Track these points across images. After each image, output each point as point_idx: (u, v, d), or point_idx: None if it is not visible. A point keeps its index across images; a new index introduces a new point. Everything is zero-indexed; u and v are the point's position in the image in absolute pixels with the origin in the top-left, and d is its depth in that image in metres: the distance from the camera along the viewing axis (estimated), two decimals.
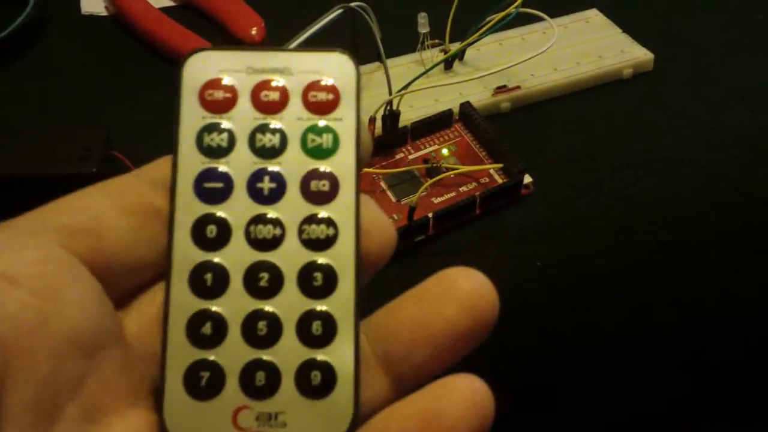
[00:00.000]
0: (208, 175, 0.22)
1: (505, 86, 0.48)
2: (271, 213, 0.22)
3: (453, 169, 0.43)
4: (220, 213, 0.22)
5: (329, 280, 0.22)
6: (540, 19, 0.49)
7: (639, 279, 0.42)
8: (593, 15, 0.54)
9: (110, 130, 0.43)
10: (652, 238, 0.43)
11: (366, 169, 0.43)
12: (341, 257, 0.22)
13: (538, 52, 0.43)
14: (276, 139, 0.22)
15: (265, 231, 0.22)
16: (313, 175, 0.22)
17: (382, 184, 0.43)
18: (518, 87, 0.48)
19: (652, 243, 0.42)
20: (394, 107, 0.43)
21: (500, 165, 0.43)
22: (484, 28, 0.46)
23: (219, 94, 0.22)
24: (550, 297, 0.40)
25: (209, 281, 0.21)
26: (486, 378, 0.21)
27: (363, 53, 0.48)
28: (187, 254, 0.21)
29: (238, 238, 0.22)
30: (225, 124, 0.22)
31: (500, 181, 0.43)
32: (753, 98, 0.50)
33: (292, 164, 0.22)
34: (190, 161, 0.22)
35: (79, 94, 0.49)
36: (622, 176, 0.45)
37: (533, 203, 0.43)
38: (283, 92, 0.22)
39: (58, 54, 0.53)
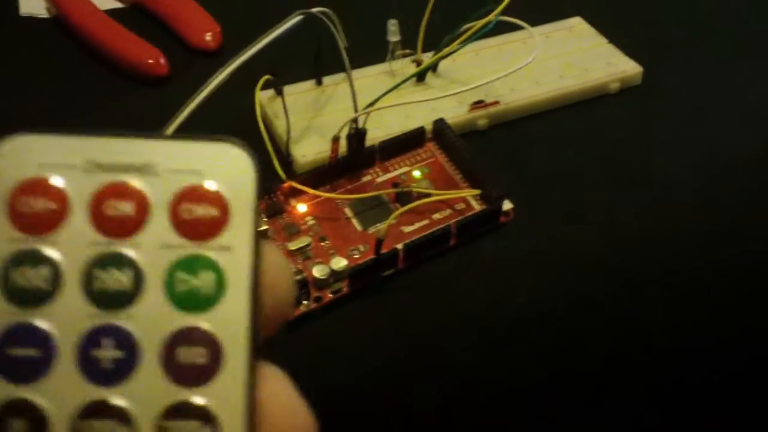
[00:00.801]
0: (16, 335, 0.15)
1: (482, 101, 0.44)
2: (115, 399, 0.15)
3: (425, 196, 0.38)
4: (34, 398, 0.14)
5: None
6: (519, 28, 0.45)
7: (629, 314, 0.38)
8: (577, 23, 0.50)
9: None
10: (643, 269, 0.39)
11: (329, 194, 0.39)
12: None
13: (519, 66, 0.39)
14: (126, 279, 0.15)
15: (105, 431, 0.14)
16: (183, 337, 0.15)
17: (347, 211, 0.39)
18: (497, 102, 0.44)
19: (644, 274, 0.39)
20: (360, 125, 0.39)
21: (478, 191, 0.39)
22: (461, 39, 0.42)
23: (39, 204, 0.15)
24: (529, 334, 0.36)
25: None
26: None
27: (326, 63, 0.44)
28: None
29: None
30: (47, 251, 0.15)
31: (478, 207, 0.39)
32: (750, 114, 0.46)
33: (151, 320, 0.15)
34: None
35: (11, 106, 0.45)
36: (609, 201, 0.41)
37: (513, 231, 0.40)
38: (141, 202, 0.15)
39: None
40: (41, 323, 0.15)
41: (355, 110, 0.39)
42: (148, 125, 0.35)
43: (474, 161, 0.40)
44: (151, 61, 0.46)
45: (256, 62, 0.40)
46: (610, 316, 0.38)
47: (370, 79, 0.45)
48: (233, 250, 0.15)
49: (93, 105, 0.45)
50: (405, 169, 0.41)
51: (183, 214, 0.15)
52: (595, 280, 0.38)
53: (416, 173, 0.41)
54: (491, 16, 0.40)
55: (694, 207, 0.41)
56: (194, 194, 0.15)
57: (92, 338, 0.15)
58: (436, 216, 0.39)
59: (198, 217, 0.15)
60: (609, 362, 0.37)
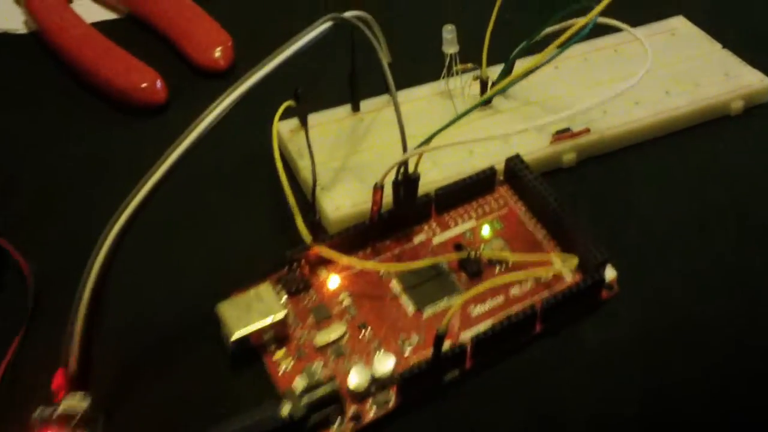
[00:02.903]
0: None
1: (568, 130, 0.34)
2: None
3: (499, 263, 0.28)
4: None
5: None
6: (607, 33, 0.35)
7: None
8: (680, 24, 0.40)
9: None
10: None
11: (370, 264, 0.29)
12: None
13: (627, 86, 0.29)
14: None
15: None
16: None
17: (394, 286, 0.29)
18: (587, 130, 0.34)
19: None
20: (411, 169, 0.29)
21: (574, 261, 0.28)
22: (552, 45, 0.31)
23: None
24: None
25: None
26: None
27: (365, 83, 0.34)
28: None
29: None
30: None
31: (570, 278, 0.29)
32: None
33: None
34: None
35: None
36: (745, 258, 0.31)
37: (620, 309, 0.29)
38: None
39: None
40: None
41: (404, 147, 0.29)
42: (142, 164, 0.26)
43: (562, 212, 0.30)
44: (145, 85, 0.37)
45: (274, 84, 0.30)
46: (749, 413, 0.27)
47: (422, 102, 0.36)
48: None
49: (76, 138, 0.36)
50: (470, 224, 0.31)
51: None
52: (729, 365, 0.28)
53: (485, 230, 0.31)
54: (589, 17, 0.29)
55: None
56: None
57: None
58: (515, 292, 0.29)
59: None
60: None
